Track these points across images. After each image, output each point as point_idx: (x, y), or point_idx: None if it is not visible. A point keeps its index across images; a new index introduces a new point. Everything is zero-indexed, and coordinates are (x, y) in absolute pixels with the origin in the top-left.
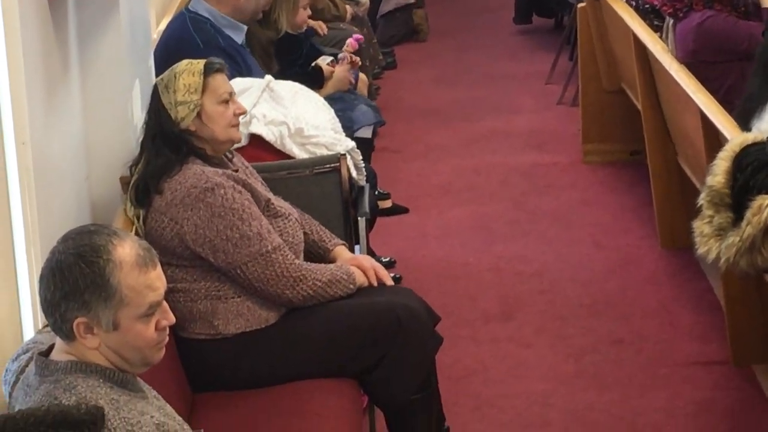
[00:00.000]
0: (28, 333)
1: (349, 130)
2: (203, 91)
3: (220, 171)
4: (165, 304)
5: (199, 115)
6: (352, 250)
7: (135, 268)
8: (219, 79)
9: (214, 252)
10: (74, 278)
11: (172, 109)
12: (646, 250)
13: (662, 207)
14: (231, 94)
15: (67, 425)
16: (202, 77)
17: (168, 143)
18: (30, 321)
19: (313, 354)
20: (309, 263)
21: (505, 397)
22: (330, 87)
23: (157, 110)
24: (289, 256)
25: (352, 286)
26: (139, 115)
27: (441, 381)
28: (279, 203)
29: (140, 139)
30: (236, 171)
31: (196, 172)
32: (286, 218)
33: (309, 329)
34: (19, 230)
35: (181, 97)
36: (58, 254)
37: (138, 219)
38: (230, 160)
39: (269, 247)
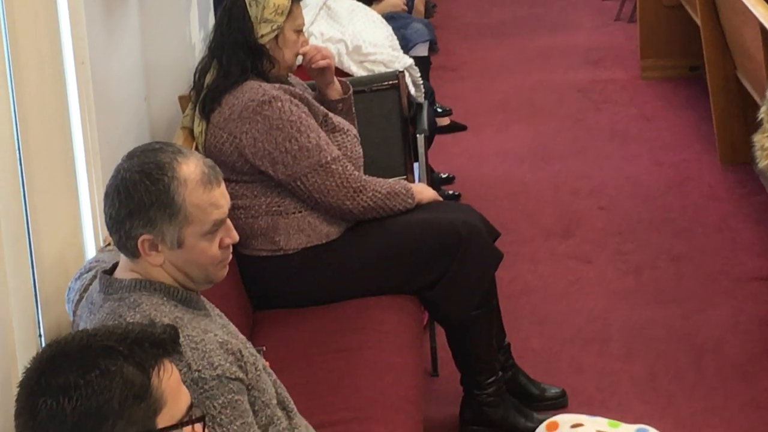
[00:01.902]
0: (90, 252)
1: (403, 49)
2: (287, 15)
3: (277, 85)
4: (229, 222)
5: (276, 37)
6: (411, 168)
7: (199, 186)
8: (299, 9)
9: (273, 165)
10: (139, 195)
11: (256, 24)
12: (706, 165)
13: (721, 122)
14: (302, 26)
15: (150, 343)
16: (290, 2)
17: (247, 54)
18: (92, 240)
19: (374, 270)
20: (368, 176)
21: (565, 314)
22: (384, 7)
23: (241, 20)
24: (348, 167)
25: (410, 201)
26: (197, 35)
27: (501, 298)
28: (337, 119)
29: (209, 45)
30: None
31: (252, 86)
32: (345, 133)
33: (370, 245)
34: (79, 150)
35: (269, 15)
36: (123, 172)
37: (202, 135)
38: (287, 79)
39: (328, 158)
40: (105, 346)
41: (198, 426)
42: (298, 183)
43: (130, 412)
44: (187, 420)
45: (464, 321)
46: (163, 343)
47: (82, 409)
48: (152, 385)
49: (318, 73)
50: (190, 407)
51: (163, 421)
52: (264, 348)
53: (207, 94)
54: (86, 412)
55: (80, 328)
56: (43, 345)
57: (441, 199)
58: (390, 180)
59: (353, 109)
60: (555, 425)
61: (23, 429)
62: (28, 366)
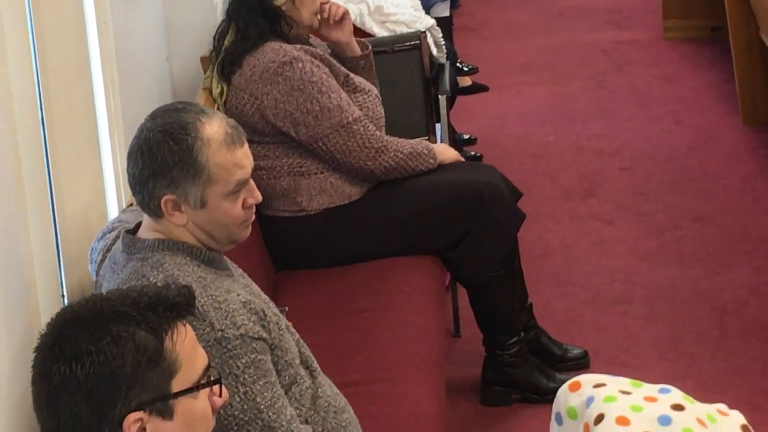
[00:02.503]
0: (113, 212)
1: (425, 8)
2: None
3: (297, 46)
4: (252, 182)
5: None
6: (433, 129)
7: (223, 146)
8: None
9: (295, 125)
10: (162, 155)
11: None
12: (728, 126)
13: (744, 83)
14: None
15: (163, 306)
16: None
17: (264, 17)
18: (114, 200)
19: (397, 231)
20: (390, 136)
21: (587, 274)
22: None
23: None
24: (369, 128)
25: (432, 161)
26: None
27: (523, 258)
28: (358, 79)
29: (227, 10)
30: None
31: (273, 47)
32: (366, 93)
33: (392, 206)
34: (101, 111)
35: None
36: (147, 131)
37: (221, 97)
38: (307, 40)
39: (350, 119)
40: (117, 311)
41: (215, 388)
42: (320, 144)
43: (144, 377)
44: (204, 382)
45: (486, 281)
46: (177, 306)
47: (95, 376)
48: (165, 349)
49: (336, 32)
50: (207, 368)
51: (178, 384)
52: (286, 308)
53: (225, 57)
54: (99, 378)
55: (103, 288)
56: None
57: (463, 159)
58: (412, 140)
59: (374, 69)
60: (577, 385)
61: (39, 395)
62: (43, 332)
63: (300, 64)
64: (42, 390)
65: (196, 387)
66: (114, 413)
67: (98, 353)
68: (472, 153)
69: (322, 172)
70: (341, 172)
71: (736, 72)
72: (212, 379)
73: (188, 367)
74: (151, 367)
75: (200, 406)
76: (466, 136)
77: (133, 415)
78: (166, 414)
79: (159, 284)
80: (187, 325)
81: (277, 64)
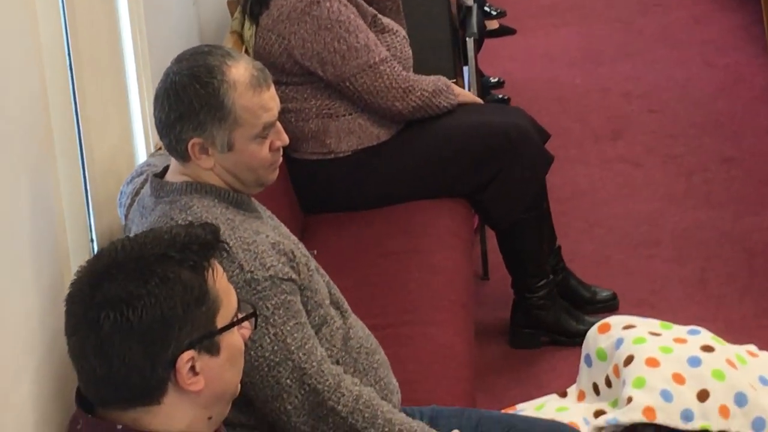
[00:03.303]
0: (141, 156)
1: None
2: None
3: None
4: (279, 125)
5: None
6: (460, 71)
7: (249, 89)
8: None
9: (322, 65)
10: (189, 99)
11: None
12: (757, 68)
13: None
14: None
15: (197, 245)
16: None
17: None
18: (142, 144)
19: (425, 173)
20: (413, 74)
21: (615, 217)
22: None
23: None
24: (396, 68)
25: (453, 97)
26: None
27: (551, 201)
28: (386, 20)
29: None
30: None
31: None
32: (394, 34)
33: (421, 148)
34: (129, 55)
35: None
36: (173, 75)
37: (252, 38)
38: None
39: (377, 59)
40: (157, 253)
41: (247, 323)
42: (347, 84)
43: (193, 316)
44: (241, 317)
45: (515, 224)
46: (209, 244)
47: (147, 319)
48: (208, 286)
49: None
50: (239, 304)
51: (221, 320)
52: (315, 251)
53: None
54: (152, 321)
55: (132, 232)
56: (95, 250)
57: (479, 100)
58: (430, 77)
59: (402, 10)
60: (607, 327)
61: (83, 344)
62: (75, 280)
63: (327, 4)
64: (88, 338)
65: (238, 321)
66: (167, 354)
67: (149, 296)
68: (500, 96)
69: (350, 114)
70: (369, 113)
71: (765, 12)
72: (247, 314)
73: (227, 303)
74: (199, 306)
75: (239, 340)
76: (493, 79)
77: (186, 354)
78: (214, 350)
79: (188, 224)
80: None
81: (305, 4)
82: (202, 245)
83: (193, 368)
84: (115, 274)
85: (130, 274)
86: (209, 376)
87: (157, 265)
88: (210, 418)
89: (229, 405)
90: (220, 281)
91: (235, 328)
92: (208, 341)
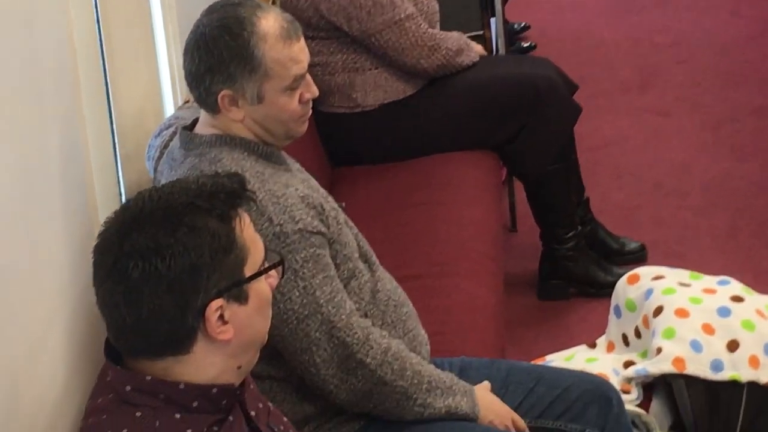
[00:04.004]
0: (169, 109)
1: None
2: None
3: None
4: (308, 77)
5: None
6: (487, 23)
7: (279, 41)
8: None
9: (348, 20)
10: (219, 51)
11: None
12: None
13: None
14: None
15: (224, 194)
16: None
17: None
18: (170, 97)
19: (452, 125)
20: (439, 31)
21: (644, 167)
22: None
23: None
24: (422, 25)
25: (474, 55)
26: None
27: (580, 151)
28: None
29: None
30: None
31: None
32: None
33: (448, 100)
34: (156, 6)
35: None
36: (203, 27)
37: None
38: None
39: (402, 15)
40: (185, 203)
41: (275, 273)
42: (373, 40)
43: (221, 264)
44: (269, 266)
45: (543, 175)
46: (235, 193)
47: (176, 268)
48: (236, 235)
49: None
50: (266, 253)
51: (249, 269)
52: (344, 204)
53: None
54: (181, 269)
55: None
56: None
57: (485, 53)
58: (453, 34)
59: None
60: (636, 277)
61: (112, 293)
62: (103, 230)
63: None
64: (117, 288)
65: (265, 270)
66: (196, 302)
67: (177, 244)
68: (525, 45)
69: (376, 68)
70: (395, 67)
71: None
72: (275, 262)
73: (254, 252)
74: (227, 254)
75: (267, 289)
76: (518, 25)
77: (215, 303)
78: (242, 299)
79: (215, 173)
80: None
81: None
82: (229, 194)
83: (221, 317)
84: (143, 223)
85: (158, 224)
86: (238, 325)
87: (185, 215)
88: (239, 367)
89: (257, 354)
90: (247, 230)
91: (263, 277)
92: (236, 289)
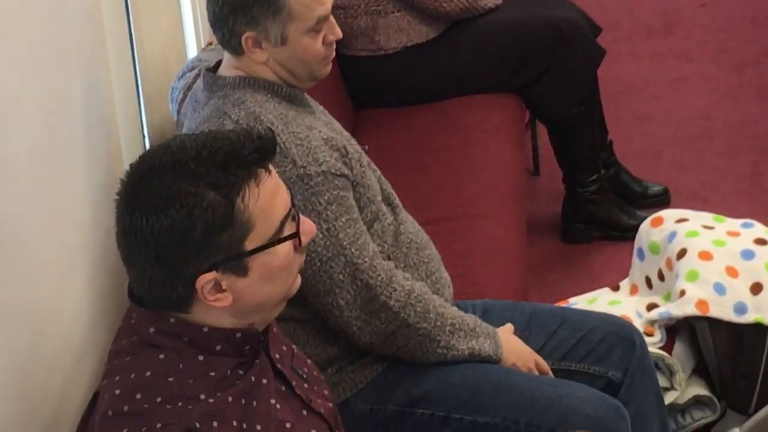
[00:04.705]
0: (192, 51)
1: None
2: None
3: None
4: (332, 18)
5: None
6: None
7: None
8: None
9: None
10: None
11: None
12: None
13: None
14: None
15: (237, 164)
16: None
17: None
18: (193, 40)
19: (475, 68)
20: None
21: (667, 112)
22: None
23: None
24: None
25: None
26: None
27: (603, 96)
28: None
29: None
30: None
31: None
32: None
33: (471, 43)
34: None
35: None
36: None
37: None
38: None
39: None
40: (189, 172)
41: (306, 225)
42: None
43: (214, 240)
44: (279, 238)
45: (566, 118)
46: (250, 163)
47: (164, 241)
48: (237, 210)
49: None
50: (287, 216)
51: (253, 241)
52: (367, 147)
53: None
54: (169, 241)
55: (184, 127)
56: (147, 146)
57: None
58: None
59: None
60: (660, 220)
61: (120, 249)
62: (121, 181)
63: None
64: (121, 244)
65: (270, 244)
66: (186, 273)
67: (168, 219)
68: None
69: (399, 11)
70: (418, 10)
71: None
72: (289, 233)
73: (263, 223)
74: (223, 229)
75: (279, 257)
76: None
77: (203, 277)
78: (240, 271)
79: (238, 130)
80: (267, 173)
81: None
82: (242, 164)
83: (219, 285)
84: (143, 189)
85: (155, 194)
86: (238, 294)
87: (185, 183)
88: (252, 324)
89: (277, 309)
90: (256, 203)
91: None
92: (234, 263)
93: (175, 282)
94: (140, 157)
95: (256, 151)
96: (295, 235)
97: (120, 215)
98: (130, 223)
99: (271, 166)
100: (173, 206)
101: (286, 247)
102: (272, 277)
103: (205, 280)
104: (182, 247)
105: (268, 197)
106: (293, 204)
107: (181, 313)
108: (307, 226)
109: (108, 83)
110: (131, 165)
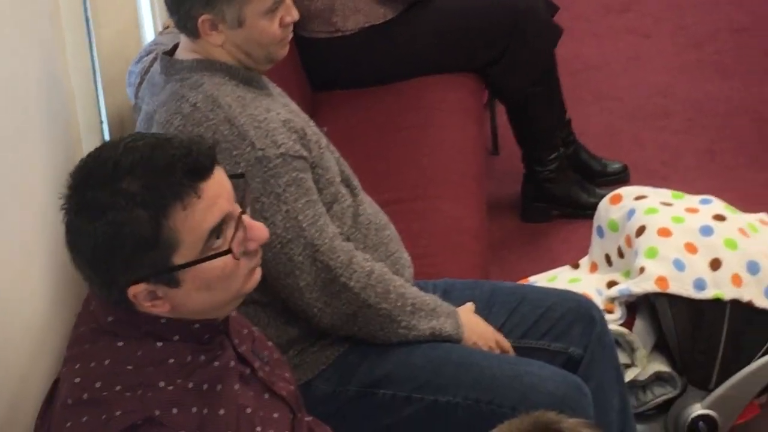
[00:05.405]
0: (149, 36)
1: None
2: None
3: None
4: (289, 0)
5: None
6: None
7: None
8: None
9: None
10: None
11: None
12: None
13: None
14: None
15: (166, 184)
16: None
17: None
18: (150, 23)
19: (433, 48)
20: None
21: (626, 89)
22: None
23: None
24: None
25: None
26: None
27: (562, 75)
28: None
29: None
30: None
31: None
32: None
33: (429, 23)
34: None
35: None
36: None
37: None
38: None
39: None
40: (121, 189)
41: (248, 224)
42: None
43: (140, 258)
44: (206, 257)
45: (525, 97)
46: (180, 186)
47: (95, 253)
48: (163, 229)
49: None
50: (218, 225)
51: (182, 257)
52: (326, 129)
53: None
54: (95, 258)
55: (143, 111)
56: (106, 131)
57: None
58: None
59: None
60: (618, 197)
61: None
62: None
63: None
64: (66, 239)
65: (198, 261)
66: (117, 285)
67: (96, 230)
68: None
69: None
70: None
71: None
72: (220, 250)
73: (192, 241)
74: (149, 248)
75: (215, 270)
76: None
77: (135, 287)
78: (172, 283)
79: (178, 144)
80: (198, 197)
81: None
82: (172, 184)
83: (154, 293)
84: (79, 198)
85: (88, 205)
86: (175, 302)
87: (117, 200)
88: (197, 323)
89: (230, 306)
90: (185, 221)
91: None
92: (163, 276)
93: (109, 286)
94: (82, 161)
95: (188, 173)
96: (227, 252)
97: (64, 210)
98: (69, 221)
99: (217, 173)
100: (103, 220)
101: (225, 260)
102: (210, 286)
103: (137, 290)
104: (110, 260)
105: (199, 215)
106: (243, 200)
107: (127, 312)
108: (258, 232)
109: (65, 68)
110: (75, 167)
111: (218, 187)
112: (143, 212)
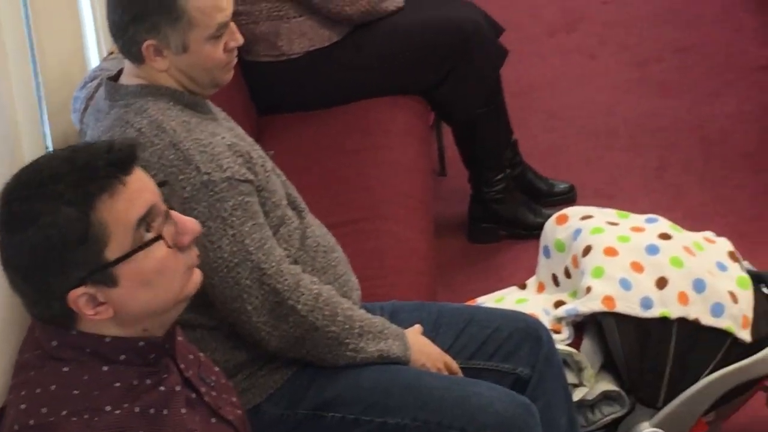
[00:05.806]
0: (94, 61)
1: None
2: None
3: None
4: (233, 25)
5: None
6: None
7: None
8: None
9: None
10: (142, 1)
11: None
12: None
13: None
14: None
15: (88, 178)
16: None
17: None
18: (95, 49)
19: (379, 71)
20: None
21: (571, 108)
22: None
23: None
24: None
25: (399, 1)
26: None
27: (507, 95)
28: None
29: None
30: None
31: None
32: None
33: (374, 46)
34: None
35: None
36: None
37: None
38: None
39: None
40: (46, 192)
41: (177, 220)
42: None
43: (72, 257)
44: (137, 247)
45: (471, 119)
46: (103, 177)
47: (27, 262)
48: (92, 223)
49: None
50: (144, 216)
51: (112, 252)
52: (272, 152)
53: None
54: (31, 264)
55: (88, 136)
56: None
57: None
58: None
59: None
60: (564, 218)
61: None
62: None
63: None
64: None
65: (132, 251)
66: (55, 291)
67: (25, 238)
68: None
69: (301, 16)
70: (320, 15)
71: None
72: (151, 237)
73: (122, 233)
74: (79, 244)
75: (151, 262)
76: None
77: (74, 293)
78: (110, 282)
79: (100, 143)
80: (123, 185)
81: None
82: (94, 178)
83: (94, 298)
84: (6, 212)
85: (15, 216)
86: (118, 304)
87: (42, 203)
88: (145, 329)
89: (172, 312)
90: (110, 212)
91: (157, 244)
92: (99, 275)
93: (48, 301)
94: (8, 180)
95: (110, 165)
96: (158, 239)
97: None
98: (2, 240)
99: (138, 171)
100: (31, 226)
101: (159, 250)
102: (149, 282)
103: (76, 295)
104: (44, 266)
105: (125, 205)
106: (169, 205)
107: (67, 328)
108: (189, 225)
109: (9, 94)
110: (3, 187)
111: (141, 183)
112: (71, 210)
